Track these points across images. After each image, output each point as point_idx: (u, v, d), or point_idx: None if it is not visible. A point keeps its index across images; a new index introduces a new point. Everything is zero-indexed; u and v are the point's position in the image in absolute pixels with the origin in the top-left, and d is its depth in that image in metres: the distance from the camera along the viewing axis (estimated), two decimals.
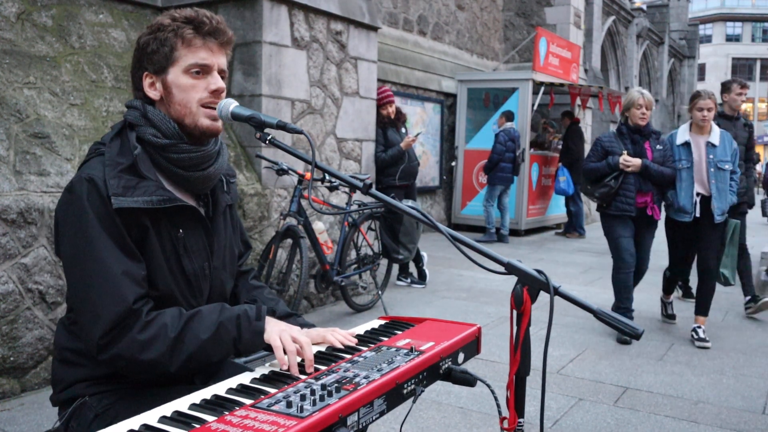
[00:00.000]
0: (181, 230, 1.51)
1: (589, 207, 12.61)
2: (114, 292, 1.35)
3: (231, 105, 1.51)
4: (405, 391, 1.33)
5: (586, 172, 4.72)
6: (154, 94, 1.51)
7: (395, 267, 6.07)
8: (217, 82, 1.51)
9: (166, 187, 1.48)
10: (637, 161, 4.46)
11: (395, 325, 1.73)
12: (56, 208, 1.45)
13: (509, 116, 9.21)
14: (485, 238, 9.03)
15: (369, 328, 1.71)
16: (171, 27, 1.47)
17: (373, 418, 1.23)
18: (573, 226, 10.22)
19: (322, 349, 1.52)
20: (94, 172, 1.41)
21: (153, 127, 1.48)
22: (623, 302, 4.63)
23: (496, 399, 1.46)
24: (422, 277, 6.24)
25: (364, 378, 1.27)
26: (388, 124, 6.08)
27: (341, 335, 1.55)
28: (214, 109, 1.51)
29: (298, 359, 1.40)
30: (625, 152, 4.51)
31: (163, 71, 1.49)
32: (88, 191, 1.39)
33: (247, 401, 1.20)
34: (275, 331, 1.45)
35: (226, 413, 1.14)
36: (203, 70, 1.49)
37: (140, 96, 1.53)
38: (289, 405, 1.14)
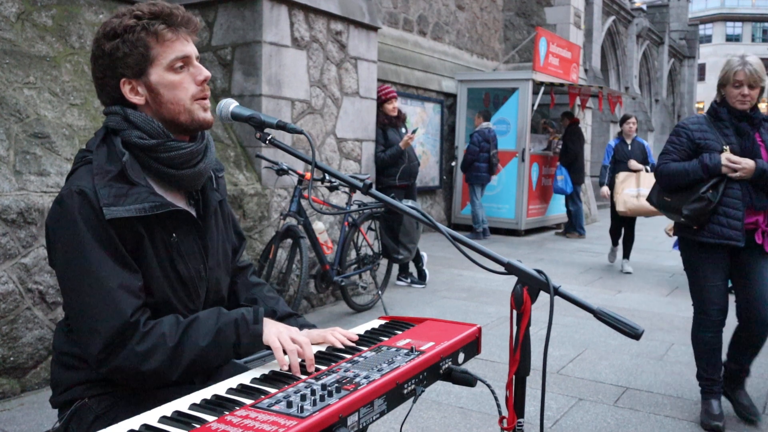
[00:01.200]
0: (174, 234, 1.49)
1: (589, 206, 12.61)
2: (111, 307, 1.34)
3: (231, 105, 1.51)
4: (405, 391, 1.33)
5: (664, 176, 3.14)
6: (138, 99, 1.46)
7: (395, 267, 6.07)
8: (202, 71, 1.49)
9: (157, 191, 1.46)
10: (749, 163, 2.95)
11: (395, 325, 1.73)
12: (47, 220, 1.43)
13: (486, 116, 9.21)
14: (471, 236, 9.05)
15: (369, 328, 1.71)
16: (140, 26, 1.43)
17: (374, 418, 1.23)
18: (573, 226, 10.23)
19: (322, 349, 1.53)
20: (84, 183, 1.39)
21: (137, 129, 1.45)
22: (707, 370, 3.17)
23: (496, 399, 1.46)
24: (422, 277, 6.24)
25: (365, 378, 1.27)
26: (388, 124, 6.08)
27: (342, 335, 1.55)
28: (206, 99, 1.49)
29: (299, 360, 1.41)
30: (726, 148, 3.01)
31: (142, 74, 1.45)
32: (80, 204, 1.36)
33: (248, 401, 1.20)
34: (273, 332, 1.44)
35: (227, 413, 1.14)
36: (185, 63, 1.47)
37: (117, 103, 1.48)
38: (289, 405, 1.14)
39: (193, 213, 1.56)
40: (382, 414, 1.26)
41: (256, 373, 1.39)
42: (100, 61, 1.46)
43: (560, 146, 10.28)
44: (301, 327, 1.63)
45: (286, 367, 1.38)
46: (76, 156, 1.50)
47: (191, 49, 1.48)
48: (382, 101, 6.03)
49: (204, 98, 1.49)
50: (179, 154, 1.47)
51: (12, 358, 3.18)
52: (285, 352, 1.40)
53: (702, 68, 46.01)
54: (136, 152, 1.45)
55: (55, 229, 1.40)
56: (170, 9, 1.45)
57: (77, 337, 1.42)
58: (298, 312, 1.74)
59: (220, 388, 1.30)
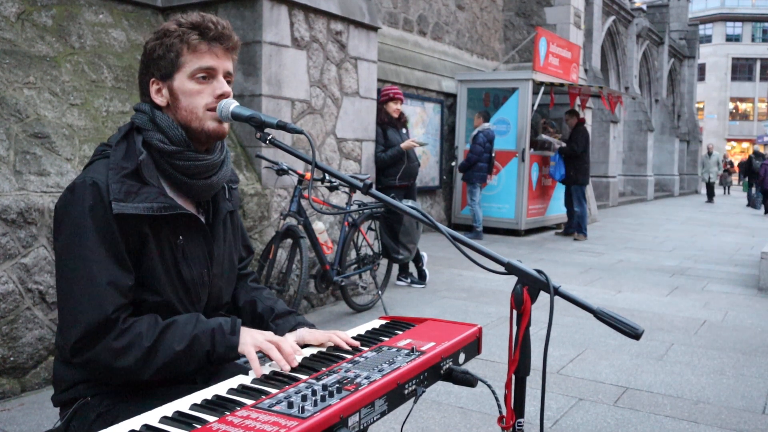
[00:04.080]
0: (181, 237, 1.51)
1: (589, 207, 12.61)
2: (95, 301, 1.36)
3: (231, 105, 1.51)
4: (406, 392, 1.33)
5: None
6: (160, 100, 1.51)
7: (395, 267, 6.07)
8: (222, 86, 1.51)
9: (168, 193, 1.49)
10: None
11: (396, 325, 1.73)
12: (56, 204, 1.46)
13: (486, 116, 9.25)
14: (472, 236, 9.05)
15: (369, 328, 1.71)
16: (177, 33, 1.48)
17: (375, 418, 1.23)
18: (580, 227, 10.10)
19: (323, 349, 1.53)
20: (98, 176, 1.42)
21: (161, 132, 1.49)
22: None
23: (496, 399, 1.46)
24: (422, 277, 6.24)
25: (366, 378, 1.28)
26: (388, 125, 6.07)
27: (344, 337, 1.56)
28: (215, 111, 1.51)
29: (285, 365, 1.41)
30: None
31: (169, 77, 1.49)
32: (90, 195, 1.39)
33: (248, 401, 1.20)
34: (249, 342, 1.46)
35: (227, 413, 1.14)
36: (209, 75, 1.50)
37: (147, 101, 1.54)
38: (290, 405, 1.14)
39: (202, 218, 1.58)
40: (383, 414, 1.26)
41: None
42: (142, 57, 1.54)
43: (559, 146, 10.24)
44: (299, 324, 1.64)
45: (261, 375, 1.38)
46: (96, 149, 1.54)
47: (219, 64, 1.51)
48: (388, 99, 6.02)
49: (215, 109, 1.51)
50: (195, 165, 1.50)
51: (12, 358, 3.18)
52: (264, 355, 1.42)
53: (702, 68, 45.97)
54: (154, 154, 1.48)
55: (62, 215, 1.43)
56: (209, 23, 1.49)
57: (59, 323, 1.44)
58: (297, 311, 1.75)
59: (221, 389, 1.30)
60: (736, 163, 32.57)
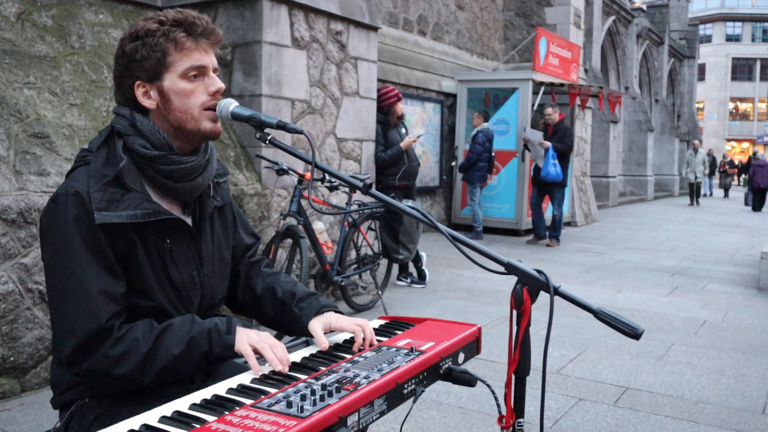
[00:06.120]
0: (168, 240, 1.49)
1: (589, 206, 12.61)
2: (88, 311, 1.35)
3: (231, 105, 1.51)
4: (405, 391, 1.33)
5: None
6: (149, 103, 1.47)
7: (395, 267, 6.07)
8: (215, 83, 1.49)
9: (152, 197, 1.46)
10: None
11: (395, 325, 1.73)
12: (41, 216, 1.44)
13: (485, 116, 9.21)
14: (472, 236, 9.03)
15: None
16: (161, 31, 1.43)
17: (374, 418, 1.23)
18: (557, 231, 9.20)
19: (348, 336, 1.55)
20: (79, 184, 1.39)
21: (142, 137, 1.45)
22: None
23: (496, 399, 1.46)
24: (422, 277, 6.24)
25: (365, 378, 1.28)
26: (390, 125, 6.08)
27: (369, 335, 1.55)
28: (215, 110, 1.49)
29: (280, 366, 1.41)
30: None
31: (157, 78, 1.45)
32: (73, 206, 1.37)
33: (248, 401, 1.20)
34: (245, 340, 1.45)
35: (227, 413, 1.14)
36: (200, 72, 1.47)
37: (129, 104, 1.49)
38: (289, 405, 1.14)
39: (188, 221, 1.56)
40: (382, 414, 1.26)
41: (256, 373, 1.39)
42: (120, 61, 1.48)
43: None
44: (324, 307, 1.62)
45: (260, 374, 1.38)
46: (77, 155, 1.50)
47: (208, 60, 1.48)
48: (397, 100, 6.03)
49: (213, 107, 1.49)
50: (179, 168, 1.47)
51: (12, 358, 3.18)
52: (260, 357, 1.42)
53: (702, 68, 45.96)
54: (136, 159, 1.45)
55: (48, 226, 1.41)
56: (194, 18, 1.46)
57: (53, 335, 1.43)
58: (318, 293, 1.73)
59: (220, 388, 1.30)
60: (736, 164, 32.43)
